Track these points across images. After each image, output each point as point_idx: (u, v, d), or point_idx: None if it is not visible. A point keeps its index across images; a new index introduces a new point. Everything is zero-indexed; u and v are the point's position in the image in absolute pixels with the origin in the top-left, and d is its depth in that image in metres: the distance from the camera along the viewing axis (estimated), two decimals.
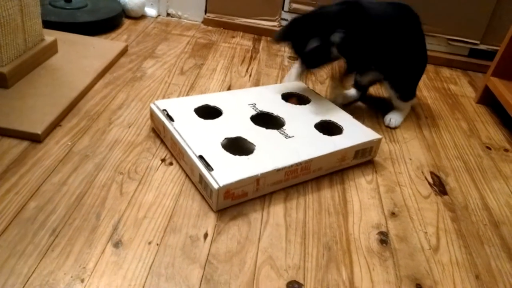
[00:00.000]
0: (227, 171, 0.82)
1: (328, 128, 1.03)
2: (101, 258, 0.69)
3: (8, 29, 1.02)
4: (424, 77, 1.56)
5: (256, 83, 1.32)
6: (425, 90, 1.47)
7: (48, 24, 1.29)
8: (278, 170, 0.86)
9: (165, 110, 0.98)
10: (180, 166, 0.93)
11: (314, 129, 1.01)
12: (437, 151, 1.12)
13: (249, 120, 1.00)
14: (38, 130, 0.91)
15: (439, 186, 0.99)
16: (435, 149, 1.13)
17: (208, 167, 0.83)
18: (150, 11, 1.72)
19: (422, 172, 1.03)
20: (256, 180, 0.84)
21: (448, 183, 1.01)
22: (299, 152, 0.91)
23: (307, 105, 1.12)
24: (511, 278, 0.78)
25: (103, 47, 1.33)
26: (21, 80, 1.07)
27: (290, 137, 0.96)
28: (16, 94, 1.02)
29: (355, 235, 0.82)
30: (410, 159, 1.07)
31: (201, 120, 0.97)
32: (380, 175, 0.99)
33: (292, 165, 0.88)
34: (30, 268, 0.65)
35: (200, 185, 0.85)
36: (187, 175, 0.89)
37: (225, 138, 0.92)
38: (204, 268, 0.70)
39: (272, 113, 1.04)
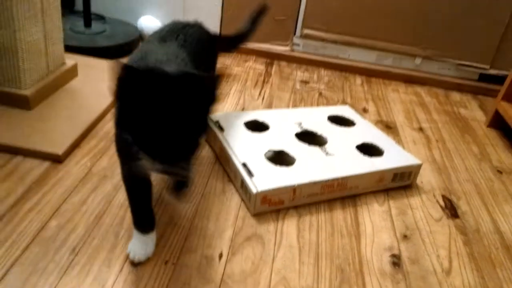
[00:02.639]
0: (267, 178, 0.88)
1: (369, 150, 1.06)
2: (119, 277, 0.71)
3: (31, 53, 1.07)
4: (434, 101, 1.58)
5: (269, 106, 1.35)
6: (435, 113, 1.48)
7: (68, 48, 1.34)
8: (315, 183, 0.91)
9: (217, 121, 1.06)
10: (225, 171, 0.99)
11: (355, 149, 1.04)
12: (448, 175, 1.13)
13: (294, 136, 1.05)
14: (59, 151, 0.94)
15: (451, 209, 1.00)
16: (446, 173, 1.14)
17: (250, 173, 0.89)
18: None
19: (434, 195, 1.04)
20: (293, 190, 0.89)
21: (460, 207, 1.01)
22: (336, 168, 0.95)
23: (352, 127, 1.15)
24: None
25: None
26: (42, 102, 1.11)
27: (330, 154, 1.00)
28: (38, 116, 1.05)
29: (368, 257, 0.82)
30: (422, 182, 1.08)
31: (249, 132, 1.04)
32: (391, 197, 1.01)
33: (328, 180, 0.92)
34: (51, 286, 0.67)
35: (241, 189, 0.91)
36: (203, 195, 0.92)
37: (269, 150, 0.98)
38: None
39: (316, 132, 1.09)
